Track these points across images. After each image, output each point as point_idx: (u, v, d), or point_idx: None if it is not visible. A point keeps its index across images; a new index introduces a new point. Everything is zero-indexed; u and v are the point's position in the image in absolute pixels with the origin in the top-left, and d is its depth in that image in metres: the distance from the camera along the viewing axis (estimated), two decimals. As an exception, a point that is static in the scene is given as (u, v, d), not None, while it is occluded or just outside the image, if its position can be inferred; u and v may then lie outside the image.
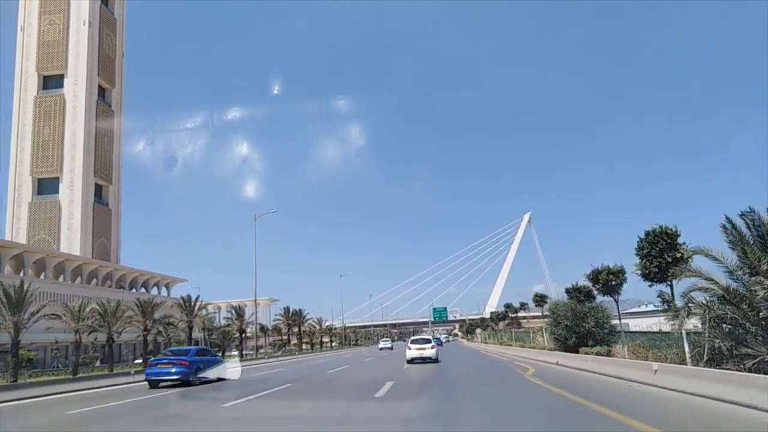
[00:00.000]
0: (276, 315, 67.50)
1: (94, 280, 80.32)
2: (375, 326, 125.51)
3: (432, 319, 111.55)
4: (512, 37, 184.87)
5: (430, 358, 25.54)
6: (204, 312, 44.86)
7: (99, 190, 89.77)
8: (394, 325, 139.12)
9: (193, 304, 39.96)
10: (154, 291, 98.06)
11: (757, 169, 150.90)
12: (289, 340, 68.46)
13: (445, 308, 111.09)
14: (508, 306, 51.88)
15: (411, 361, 25.47)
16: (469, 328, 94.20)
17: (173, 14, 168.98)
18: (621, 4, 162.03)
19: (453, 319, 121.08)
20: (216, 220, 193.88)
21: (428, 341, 27.70)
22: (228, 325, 49.72)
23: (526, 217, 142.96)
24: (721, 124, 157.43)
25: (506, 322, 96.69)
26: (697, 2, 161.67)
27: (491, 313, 74.68)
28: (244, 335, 49.99)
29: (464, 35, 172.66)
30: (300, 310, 65.10)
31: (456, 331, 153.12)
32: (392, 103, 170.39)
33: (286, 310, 65.29)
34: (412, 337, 33.67)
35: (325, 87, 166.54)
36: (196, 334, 46.38)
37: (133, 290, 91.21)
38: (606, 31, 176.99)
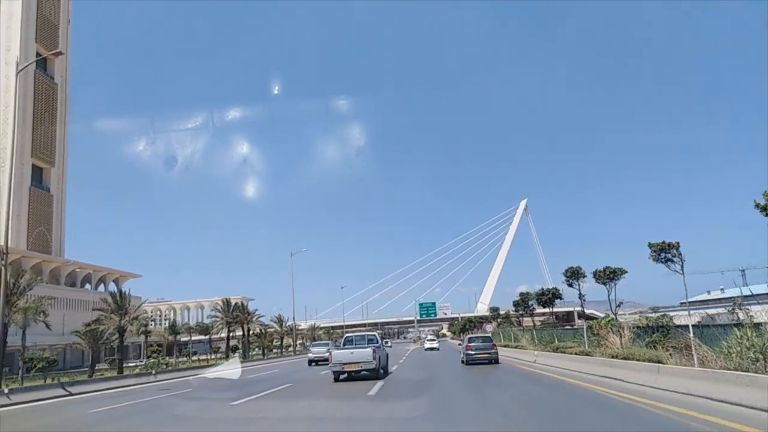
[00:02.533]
0: (212, 312, 56.08)
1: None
2: (348, 327, 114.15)
3: (418, 317, 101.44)
4: (512, 36, 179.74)
5: (437, 348, 52.25)
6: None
7: (39, 173, 78.82)
8: (375, 325, 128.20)
9: (11, 288, 24.99)
10: (101, 288, 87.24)
11: (757, 167, 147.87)
12: (229, 345, 57.25)
13: (434, 303, 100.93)
14: (573, 277, 37.54)
15: (426, 349, 50.24)
16: (467, 325, 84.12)
17: (173, 14, 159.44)
18: (623, 4, 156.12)
19: (443, 316, 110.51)
20: (214, 220, 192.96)
21: (435, 339, 59.03)
22: (97, 320, 35.43)
23: (522, 204, 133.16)
24: (722, 124, 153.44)
25: (498, 321, 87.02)
26: (698, 2, 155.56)
27: (521, 293, 63.18)
28: (146, 338, 36.30)
29: (464, 35, 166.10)
30: (243, 303, 54.21)
31: (444, 330, 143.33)
32: (392, 102, 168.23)
33: (226, 303, 54.23)
34: (428, 337, 65.59)
35: (325, 87, 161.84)
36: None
37: (74, 286, 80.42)
38: (606, 30, 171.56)
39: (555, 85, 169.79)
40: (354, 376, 18.63)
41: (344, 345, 20.40)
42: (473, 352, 24.28)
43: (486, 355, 24.14)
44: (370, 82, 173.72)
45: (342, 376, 18.54)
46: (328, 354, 21.26)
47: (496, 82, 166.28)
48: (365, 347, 18.62)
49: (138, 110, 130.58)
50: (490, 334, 33.01)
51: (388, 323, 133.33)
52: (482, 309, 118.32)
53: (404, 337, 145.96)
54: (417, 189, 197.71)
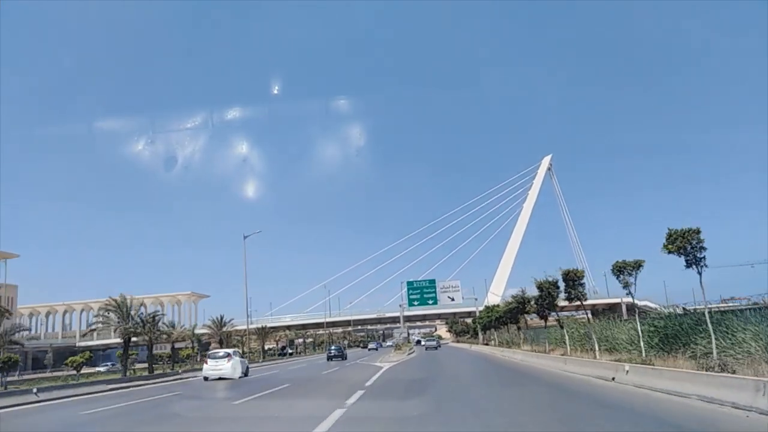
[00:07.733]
0: None
1: None
2: (284, 327, 78.40)
3: (407, 305, 60.87)
4: (513, 36, 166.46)
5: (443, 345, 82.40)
6: None
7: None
8: (347, 323, 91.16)
9: None
10: None
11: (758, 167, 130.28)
12: None
13: (433, 281, 62.21)
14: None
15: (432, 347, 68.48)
16: (509, 314, 42.36)
17: (172, 13, 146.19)
18: (625, 3, 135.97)
19: (449, 304, 67.16)
20: (212, 219, 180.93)
21: (437, 339, 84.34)
22: None
23: (546, 161, 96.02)
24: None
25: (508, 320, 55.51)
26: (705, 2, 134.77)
27: (568, 271, 30.67)
28: None
29: (465, 34, 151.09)
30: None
31: (441, 332, 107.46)
32: (392, 102, 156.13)
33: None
34: (427, 340, 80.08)
35: (325, 87, 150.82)
36: None
37: None
38: (608, 29, 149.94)
39: (559, 85, 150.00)
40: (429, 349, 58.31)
41: (427, 340, 73.05)
42: (428, 345, 67.11)
43: (436, 346, 66.45)
44: (370, 82, 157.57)
45: (425, 349, 58.55)
46: (377, 347, 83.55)
47: (497, 82, 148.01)
48: (433, 341, 71.20)
49: (137, 110, 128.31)
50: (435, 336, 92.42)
51: (366, 321, 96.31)
52: (493, 300, 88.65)
53: (378, 344, 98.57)
54: (418, 187, 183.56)
